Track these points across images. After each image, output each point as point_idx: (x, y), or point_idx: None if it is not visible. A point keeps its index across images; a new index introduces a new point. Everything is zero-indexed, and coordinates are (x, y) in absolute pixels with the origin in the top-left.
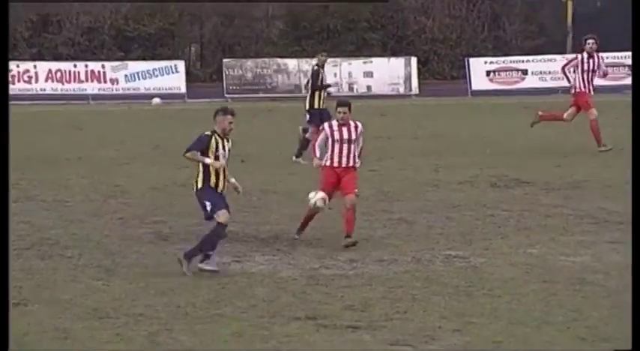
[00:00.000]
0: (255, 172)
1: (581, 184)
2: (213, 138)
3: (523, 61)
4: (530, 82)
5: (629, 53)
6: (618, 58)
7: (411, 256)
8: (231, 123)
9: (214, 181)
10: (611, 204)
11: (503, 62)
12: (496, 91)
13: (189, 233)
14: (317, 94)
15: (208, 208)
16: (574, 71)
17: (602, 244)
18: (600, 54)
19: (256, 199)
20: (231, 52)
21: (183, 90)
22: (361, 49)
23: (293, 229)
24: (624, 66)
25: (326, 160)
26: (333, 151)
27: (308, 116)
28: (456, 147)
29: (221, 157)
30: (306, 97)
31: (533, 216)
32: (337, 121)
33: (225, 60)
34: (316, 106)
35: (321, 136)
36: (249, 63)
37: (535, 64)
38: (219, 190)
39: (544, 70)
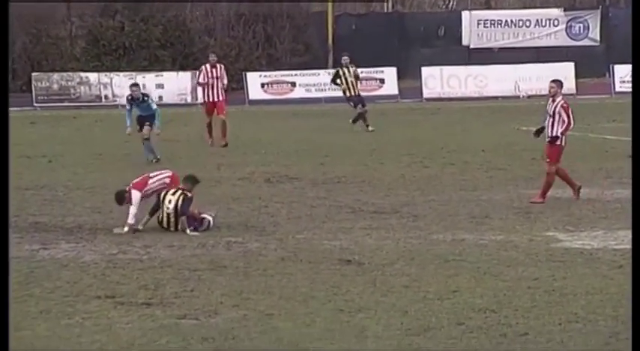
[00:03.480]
0: (61, 170)
1: (340, 179)
2: None
3: (292, 75)
4: (298, 92)
5: (381, 68)
6: (371, 72)
7: (197, 242)
8: None
9: None
10: (364, 196)
11: (275, 76)
12: (269, 101)
13: None
14: None
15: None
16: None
17: (357, 230)
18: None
19: (62, 194)
20: (40, 66)
21: None
22: (153, 64)
23: (94, 219)
24: (376, 79)
25: None
26: None
27: None
28: (236, 148)
29: None
30: None
31: (301, 207)
32: None
33: (34, 73)
34: None
35: None
36: (56, 76)
37: (302, 77)
38: None
39: (309, 83)
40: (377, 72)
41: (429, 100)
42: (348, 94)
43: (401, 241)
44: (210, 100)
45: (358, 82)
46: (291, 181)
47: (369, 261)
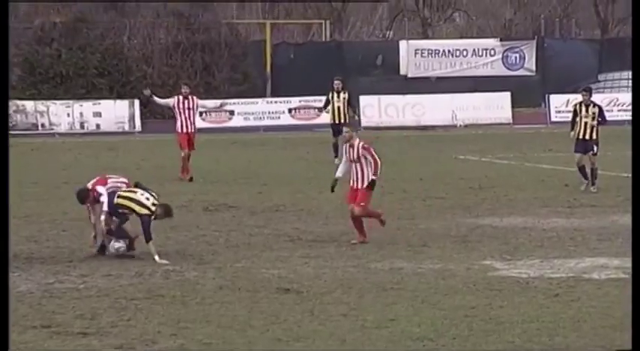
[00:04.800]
0: None
1: (279, 208)
2: None
3: (230, 104)
4: (237, 121)
5: (319, 97)
6: (309, 101)
7: (135, 271)
8: None
9: None
10: (303, 225)
11: (214, 105)
12: (208, 129)
13: None
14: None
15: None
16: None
17: (296, 258)
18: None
19: None
20: None
21: None
22: (91, 92)
23: (29, 248)
24: (314, 108)
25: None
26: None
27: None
28: (174, 176)
29: None
30: None
31: (239, 235)
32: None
33: None
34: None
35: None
36: None
37: (240, 106)
38: None
39: (248, 111)
40: (315, 101)
41: (367, 128)
42: (332, 121)
43: (339, 270)
44: (185, 131)
45: (347, 108)
46: (229, 209)
47: (307, 290)
